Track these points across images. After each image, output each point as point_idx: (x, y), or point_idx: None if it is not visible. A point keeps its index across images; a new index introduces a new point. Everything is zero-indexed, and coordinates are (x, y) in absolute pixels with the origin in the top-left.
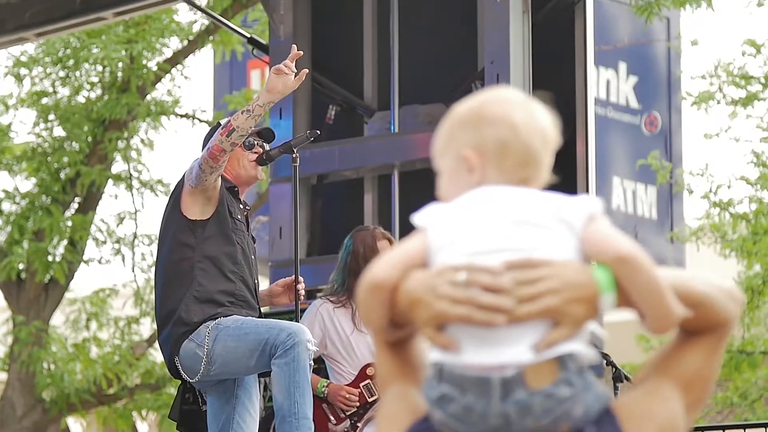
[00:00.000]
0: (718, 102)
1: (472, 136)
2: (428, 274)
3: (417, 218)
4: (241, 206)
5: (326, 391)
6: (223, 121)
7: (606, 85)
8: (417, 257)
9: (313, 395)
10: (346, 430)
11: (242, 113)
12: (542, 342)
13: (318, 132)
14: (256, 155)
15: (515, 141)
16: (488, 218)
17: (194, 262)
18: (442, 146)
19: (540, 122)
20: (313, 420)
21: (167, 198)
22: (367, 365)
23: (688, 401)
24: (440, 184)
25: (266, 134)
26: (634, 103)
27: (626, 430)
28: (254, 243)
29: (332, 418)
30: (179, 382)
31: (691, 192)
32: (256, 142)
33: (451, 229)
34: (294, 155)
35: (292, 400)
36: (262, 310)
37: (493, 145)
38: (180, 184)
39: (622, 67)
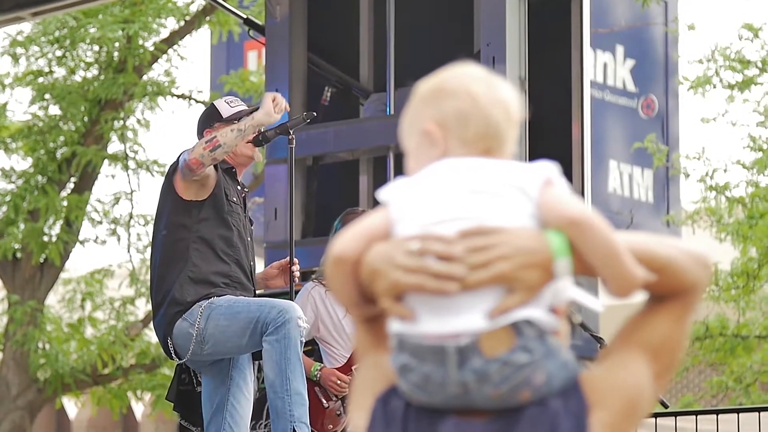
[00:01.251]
0: (715, 86)
1: (433, 111)
2: (386, 246)
3: (381, 194)
4: (239, 188)
5: (319, 375)
6: (222, 104)
7: (603, 68)
8: (379, 230)
9: (307, 378)
10: (339, 412)
11: (231, 131)
12: (496, 309)
13: (315, 114)
14: (253, 135)
15: (476, 111)
16: (444, 188)
17: (190, 242)
18: (406, 127)
19: (501, 94)
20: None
21: (163, 178)
22: None
23: (657, 369)
24: (407, 163)
25: None
26: (631, 87)
27: (592, 402)
28: (251, 225)
29: (324, 400)
30: (175, 362)
31: (687, 176)
32: None
33: (410, 201)
34: (290, 137)
35: (284, 377)
36: (258, 292)
37: (454, 117)
38: (174, 166)
39: (620, 50)
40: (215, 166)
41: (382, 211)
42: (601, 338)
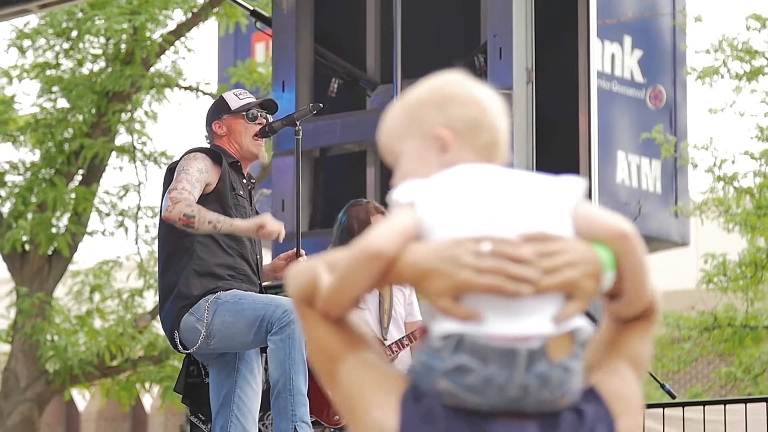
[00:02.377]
0: (722, 77)
1: (440, 116)
2: (442, 245)
3: (400, 195)
4: (245, 181)
5: None
6: (231, 96)
7: (611, 58)
8: (411, 231)
9: (311, 372)
10: None
11: (209, 223)
12: (561, 314)
13: (321, 105)
14: (260, 126)
15: (486, 120)
16: (488, 195)
17: (194, 236)
18: (401, 129)
19: (498, 103)
20: (312, 395)
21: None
22: None
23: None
24: (403, 166)
25: (269, 105)
26: (638, 77)
27: (615, 411)
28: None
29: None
30: (183, 355)
31: (695, 166)
32: (259, 113)
33: (447, 204)
34: (297, 128)
35: (288, 377)
36: (266, 283)
37: (465, 124)
38: (177, 162)
39: (627, 41)
40: (219, 160)
41: (408, 212)
42: None
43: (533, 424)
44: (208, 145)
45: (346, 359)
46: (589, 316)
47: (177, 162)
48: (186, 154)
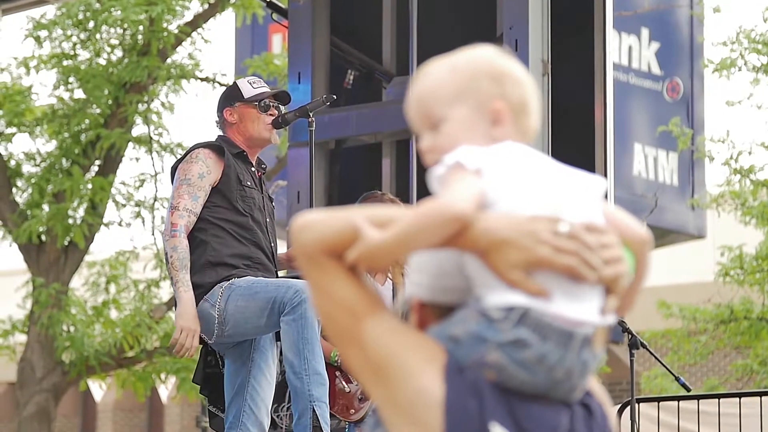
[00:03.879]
0: (740, 69)
1: (498, 89)
2: (519, 219)
3: (466, 159)
4: (253, 169)
5: (339, 360)
6: (245, 84)
7: (628, 51)
8: (482, 199)
9: (327, 363)
10: (360, 396)
11: (171, 278)
12: (607, 306)
13: (334, 96)
14: (272, 117)
15: (533, 106)
16: (548, 177)
17: (207, 229)
18: (449, 94)
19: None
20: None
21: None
22: None
23: None
24: (448, 131)
25: (282, 96)
26: (656, 69)
27: (606, 409)
28: (272, 203)
29: (344, 384)
30: (200, 346)
31: (712, 159)
32: (271, 104)
33: (512, 179)
34: (310, 119)
35: (302, 357)
36: (281, 273)
37: (519, 105)
38: (182, 158)
39: (645, 33)
40: (223, 152)
41: (477, 179)
42: (622, 321)
43: (564, 412)
44: (219, 131)
45: (371, 319)
46: None
47: (181, 160)
48: (189, 152)
